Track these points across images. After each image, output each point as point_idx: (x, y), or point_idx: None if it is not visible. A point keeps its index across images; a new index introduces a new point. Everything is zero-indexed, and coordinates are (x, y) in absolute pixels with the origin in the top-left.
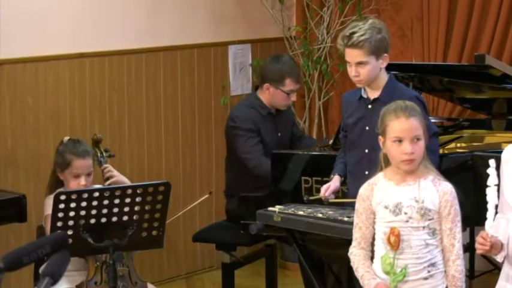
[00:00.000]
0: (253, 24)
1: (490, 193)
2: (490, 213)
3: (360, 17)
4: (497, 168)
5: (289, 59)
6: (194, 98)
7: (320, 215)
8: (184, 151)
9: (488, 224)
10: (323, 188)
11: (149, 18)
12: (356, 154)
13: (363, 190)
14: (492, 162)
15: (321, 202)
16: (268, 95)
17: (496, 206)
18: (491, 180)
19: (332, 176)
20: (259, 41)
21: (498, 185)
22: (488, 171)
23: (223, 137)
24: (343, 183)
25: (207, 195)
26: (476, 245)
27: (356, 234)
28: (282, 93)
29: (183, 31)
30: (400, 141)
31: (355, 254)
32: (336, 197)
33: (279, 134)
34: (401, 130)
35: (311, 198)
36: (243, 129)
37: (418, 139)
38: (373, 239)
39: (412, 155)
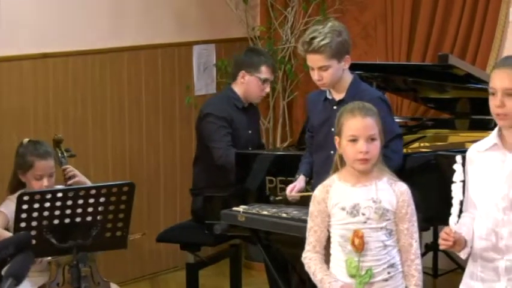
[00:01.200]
0: (218, 24)
1: (455, 189)
2: (454, 209)
3: (324, 17)
4: (463, 165)
5: (265, 51)
6: (158, 98)
7: (284, 215)
8: (148, 151)
9: (452, 219)
10: (288, 188)
11: (113, 19)
12: (322, 155)
13: (318, 192)
14: (459, 158)
15: (287, 202)
16: (244, 84)
17: (461, 202)
18: (457, 176)
19: (297, 176)
20: (224, 41)
21: (464, 181)
22: (454, 167)
23: (187, 136)
24: (308, 183)
25: (139, 235)
26: (440, 241)
27: (311, 238)
28: (257, 82)
29: (147, 31)
30: (355, 140)
31: (311, 258)
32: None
33: (250, 132)
34: (357, 129)
35: (277, 198)
36: (216, 117)
37: (373, 139)
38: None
39: (367, 155)
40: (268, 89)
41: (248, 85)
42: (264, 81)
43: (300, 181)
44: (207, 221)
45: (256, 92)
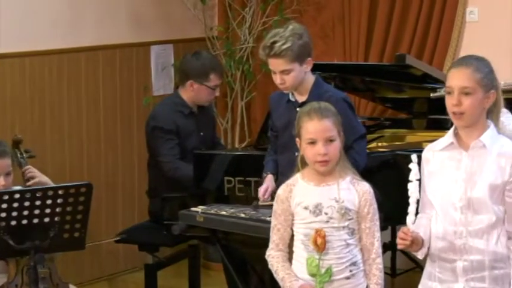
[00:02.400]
0: (175, 24)
1: (412, 188)
2: (411, 208)
3: (281, 18)
4: (419, 163)
5: (209, 54)
6: (116, 98)
7: (243, 215)
8: (106, 152)
9: (409, 219)
10: (261, 191)
11: (70, 19)
12: (287, 157)
13: (281, 192)
14: (414, 157)
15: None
16: (193, 92)
17: (418, 201)
18: (413, 175)
19: (264, 175)
20: (182, 41)
21: (420, 180)
22: (410, 166)
23: (145, 136)
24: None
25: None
26: (398, 240)
27: (274, 237)
28: (207, 89)
29: (105, 31)
30: (313, 142)
31: (274, 257)
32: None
33: (201, 134)
34: (314, 131)
35: (259, 203)
36: (161, 130)
37: (331, 140)
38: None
39: (326, 156)
40: (217, 93)
41: (197, 93)
42: (214, 88)
43: (270, 181)
44: (166, 222)
45: (206, 98)
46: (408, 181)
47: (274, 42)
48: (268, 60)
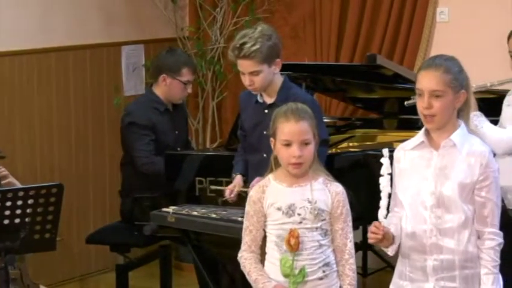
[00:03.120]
0: (146, 24)
1: (383, 182)
2: (383, 202)
3: (253, 18)
4: (391, 158)
5: (183, 51)
6: (87, 99)
7: (214, 215)
8: (77, 152)
9: (381, 213)
10: (227, 190)
11: (40, 19)
12: (256, 157)
13: (254, 193)
14: (385, 151)
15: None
16: (165, 87)
17: (389, 195)
18: (384, 170)
19: (234, 175)
20: (152, 42)
21: (391, 174)
22: (382, 160)
23: (116, 137)
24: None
25: None
26: (369, 234)
27: (246, 238)
28: (179, 84)
29: (75, 32)
30: (288, 144)
31: (246, 258)
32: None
33: (176, 132)
34: (290, 133)
35: (223, 199)
36: (137, 126)
37: (307, 143)
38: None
39: (300, 159)
40: (190, 90)
41: (170, 88)
42: (186, 83)
43: (238, 181)
44: (137, 222)
45: (178, 94)
46: (379, 180)
47: (243, 44)
48: (237, 62)
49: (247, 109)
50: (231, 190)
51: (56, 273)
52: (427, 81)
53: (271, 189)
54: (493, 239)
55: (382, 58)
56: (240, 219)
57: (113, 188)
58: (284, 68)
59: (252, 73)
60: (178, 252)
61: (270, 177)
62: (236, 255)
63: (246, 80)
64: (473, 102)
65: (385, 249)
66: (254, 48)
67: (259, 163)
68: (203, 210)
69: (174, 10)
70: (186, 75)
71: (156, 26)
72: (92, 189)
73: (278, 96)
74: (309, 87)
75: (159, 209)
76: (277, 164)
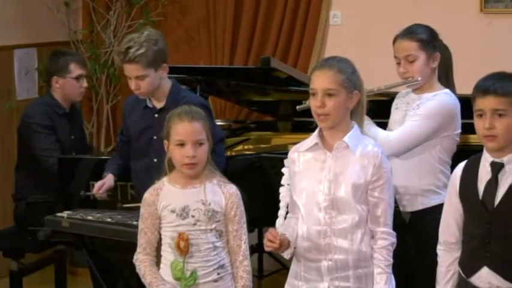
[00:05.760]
0: (39, 28)
1: (283, 192)
2: (281, 212)
3: (147, 20)
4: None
5: (68, 49)
6: None
7: (109, 220)
8: None
9: (278, 222)
10: (96, 185)
11: None
12: (144, 162)
13: (148, 195)
14: (287, 161)
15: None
16: (59, 89)
17: (288, 205)
18: (285, 179)
19: (105, 174)
20: (45, 45)
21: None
22: (283, 170)
23: (9, 141)
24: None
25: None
26: (266, 242)
27: (141, 240)
28: (72, 81)
29: None
30: (182, 144)
31: (141, 260)
32: (126, 202)
33: (73, 137)
34: (184, 133)
35: (87, 193)
36: (40, 126)
37: (201, 143)
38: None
39: (194, 159)
40: (85, 84)
41: (64, 88)
42: (78, 78)
43: (109, 179)
44: (31, 227)
45: (74, 92)
46: (274, 183)
47: (129, 48)
48: (123, 66)
49: (134, 114)
50: (100, 186)
51: None
52: (320, 80)
53: (165, 191)
54: (386, 239)
55: (276, 61)
56: (135, 223)
57: (6, 193)
58: (178, 71)
59: (138, 77)
60: (73, 257)
61: (164, 180)
62: (131, 259)
63: (132, 85)
64: (365, 103)
65: (281, 253)
66: (139, 52)
67: (149, 168)
68: (98, 215)
69: (67, 13)
70: (75, 70)
71: (49, 29)
72: None
73: (168, 100)
74: (203, 90)
75: (54, 213)
76: (172, 167)
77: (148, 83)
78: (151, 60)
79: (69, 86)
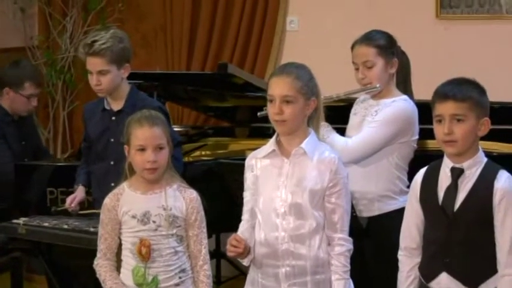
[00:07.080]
0: None
1: (247, 196)
2: (245, 216)
3: (103, 26)
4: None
5: (29, 63)
6: None
7: (66, 226)
8: None
9: (242, 226)
10: (68, 199)
11: None
12: (102, 166)
13: (108, 200)
14: (246, 168)
15: (67, 213)
16: (9, 100)
17: (251, 209)
18: (248, 184)
19: (76, 186)
20: (1, 51)
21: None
22: (246, 175)
23: None
24: (88, 193)
25: None
26: (229, 247)
27: (101, 246)
28: (22, 98)
29: None
30: (143, 149)
31: (101, 266)
32: (82, 208)
33: (23, 143)
34: (145, 138)
35: (58, 209)
36: None
37: (161, 148)
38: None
39: (155, 164)
40: (35, 103)
41: (13, 101)
42: (29, 97)
43: (80, 192)
44: None
45: (22, 108)
46: (232, 189)
47: (95, 41)
48: (86, 59)
49: (93, 118)
50: (72, 199)
51: None
52: (278, 87)
53: (126, 197)
54: (343, 245)
55: (234, 67)
56: (92, 229)
57: None
58: (135, 76)
59: (100, 72)
60: (29, 264)
61: (124, 185)
62: (89, 266)
63: (93, 80)
64: (322, 110)
65: (240, 260)
66: (105, 46)
67: (107, 171)
68: (55, 222)
69: (23, 18)
70: (28, 89)
71: (4, 35)
72: None
73: (126, 102)
74: (160, 96)
75: (9, 220)
76: (132, 172)
77: (110, 79)
78: (115, 57)
79: (19, 101)
